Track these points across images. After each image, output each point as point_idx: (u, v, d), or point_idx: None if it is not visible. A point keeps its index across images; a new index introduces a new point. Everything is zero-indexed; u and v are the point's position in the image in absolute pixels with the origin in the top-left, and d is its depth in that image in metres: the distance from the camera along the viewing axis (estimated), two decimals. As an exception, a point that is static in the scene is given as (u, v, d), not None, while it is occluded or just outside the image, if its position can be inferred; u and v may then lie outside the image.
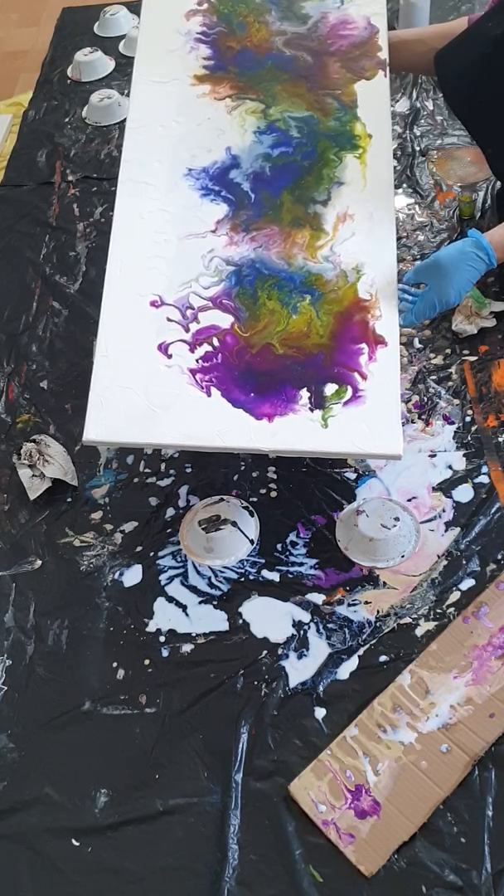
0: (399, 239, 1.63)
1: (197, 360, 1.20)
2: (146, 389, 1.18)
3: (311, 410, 1.16)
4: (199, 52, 1.45)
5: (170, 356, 1.20)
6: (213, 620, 1.17)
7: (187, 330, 1.22)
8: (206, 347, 1.21)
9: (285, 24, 1.46)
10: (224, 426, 1.16)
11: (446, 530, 1.22)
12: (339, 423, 1.15)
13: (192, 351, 1.21)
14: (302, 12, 1.47)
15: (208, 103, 1.40)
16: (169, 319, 1.23)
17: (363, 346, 1.20)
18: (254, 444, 1.15)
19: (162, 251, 1.28)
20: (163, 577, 1.22)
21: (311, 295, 1.24)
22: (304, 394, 1.18)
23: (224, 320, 1.23)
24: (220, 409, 1.17)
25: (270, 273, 1.26)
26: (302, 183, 1.33)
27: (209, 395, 1.17)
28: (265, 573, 1.21)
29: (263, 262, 1.27)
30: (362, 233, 1.29)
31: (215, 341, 1.21)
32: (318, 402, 1.17)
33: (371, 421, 1.15)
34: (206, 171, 1.35)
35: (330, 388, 1.18)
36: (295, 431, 1.15)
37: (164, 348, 1.21)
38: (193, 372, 1.19)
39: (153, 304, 1.25)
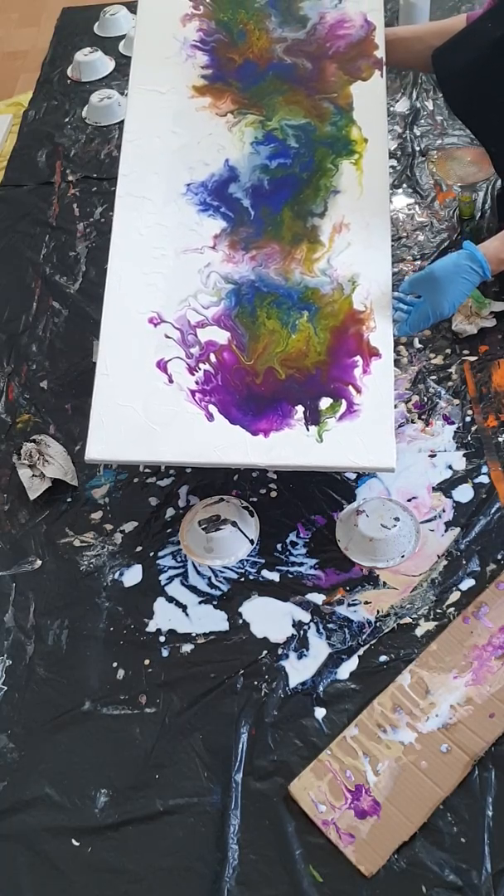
0: (399, 239, 1.64)
1: (197, 382, 1.20)
2: (145, 407, 1.19)
3: (307, 427, 1.17)
4: (196, 60, 1.43)
5: (170, 376, 1.21)
6: (213, 620, 1.17)
7: (189, 356, 1.22)
8: (205, 367, 1.21)
9: (285, 29, 1.44)
10: (221, 443, 1.17)
11: (446, 530, 1.22)
12: (334, 437, 1.16)
13: (192, 373, 1.21)
14: (300, 14, 1.45)
15: (209, 117, 1.38)
16: (167, 336, 1.23)
17: (357, 358, 1.21)
18: (250, 460, 1.16)
19: (159, 267, 1.28)
20: (163, 577, 1.22)
21: (308, 311, 1.24)
22: (300, 409, 1.18)
23: (222, 336, 1.23)
24: (218, 426, 1.18)
25: (269, 290, 1.26)
26: (301, 197, 1.32)
27: (211, 418, 1.18)
28: (265, 573, 1.21)
29: (262, 279, 1.27)
30: (358, 243, 1.29)
31: (213, 358, 1.22)
32: (314, 418, 1.18)
33: (365, 434, 1.16)
34: (204, 185, 1.34)
35: (325, 403, 1.19)
36: (291, 446, 1.16)
37: (162, 366, 1.22)
38: (193, 392, 1.20)
39: (151, 321, 1.25)
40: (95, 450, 1.18)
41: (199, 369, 1.21)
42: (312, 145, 1.36)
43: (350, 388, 1.19)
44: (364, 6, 1.45)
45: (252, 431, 1.18)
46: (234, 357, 1.22)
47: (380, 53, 1.41)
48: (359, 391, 1.19)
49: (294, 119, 1.38)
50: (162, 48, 1.44)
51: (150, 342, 1.24)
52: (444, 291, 1.22)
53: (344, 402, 1.18)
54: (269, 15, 1.45)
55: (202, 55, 1.43)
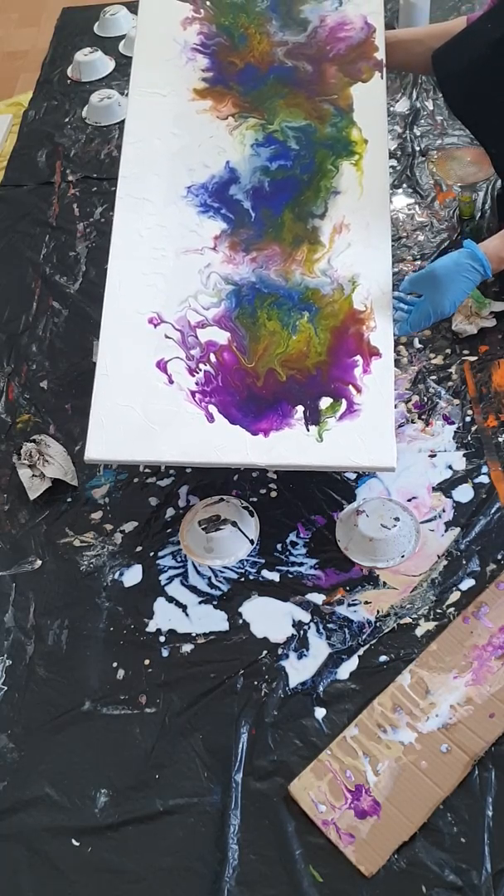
0: (399, 239, 1.64)
1: (197, 383, 1.20)
2: (145, 407, 1.19)
3: (307, 427, 1.17)
4: (196, 63, 1.43)
5: (170, 376, 1.21)
6: (213, 620, 1.17)
7: (189, 358, 1.22)
8: (205, 367, 1.21)
9: (286, 33, 1.44)
10: (221, 442, 1.17)
11: (446, 530, 1.22)
12: (334, 436, 1.16)
13: (192, 374, 1.21)
14: (301, 17, 1.45)
15: (209, 120, 1.38)
16: (167, 337, 1.23)
17: (358, 358, 1.21)
18: (250, 460, 1.16)
19: (159, 267, 1.28)
20: (163, 577, 1.22)
21: (308, 311, 1.24)
22: (300, 409, 1.18)
23: (222, 337, 1.23)
24: (218, 426, 1.18)
25: (269, 291, 1.26)
26: (301, 198, 1.32)
27: (211, 419, 1.18)
28: (265, 573, 1.21)
29: (263, 280, 1.27)
30: (359, 243, 1.29)
31: (213, 358, 1.22)
32: (314, 418, 1.18)
33: (365, 434, 1.16)
34: (204, 187, 1.34)
35: (325, 402, 1.19)
36: (291, 446, 1.16)
37: (162, 366, 1.22)
38: (193, 393, 1.20)
39: (151, 321, 1.25)
40: (95, 450, 1.18)
41: (200, 370, 1.21)
42: (313, 147, 1.36)
43: (350, 387, 1.19)
44: (364, 9, 1.45)
45: (252, 431, 1.18)
46: (234, 358, 1.22)
47: (380, 55, 1.41)
48: (359, 391, 1.19)
49: (294, 121, 1.38)
50: (163, 51, 1.44)
51: (150, 342, 1.24)
52: (445, 290, 1.22)
53: (344, 402, 1.18)
54: (269, 19, 1.45)
55: (203, 58, 1.43)
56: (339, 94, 1.39)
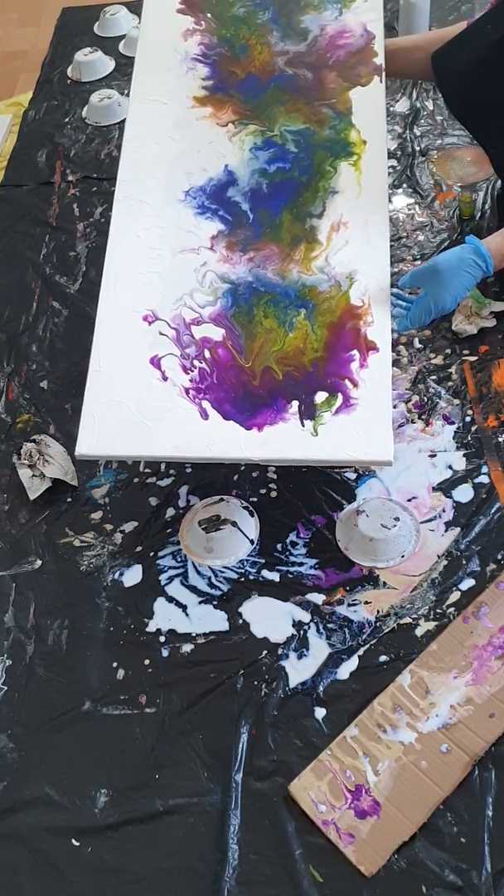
0: (399, 239, 1.64)
1: (191, 381, 1.20)
2: (138, 403, 1.19)
3: (302, 422, 1.17)
4: (196, 72, 1.44)
5: (163, 373, 1.21)
6: (213, 620, 1.17)
7: (185, 357, 1.22)
8: (200, 365, 1.21)
9: (287, 42, 1.44)
10: (214, 437, 1.16)
11: (446, 530, 1.22)
12: (330, 430, 1.16)
13: (186, 372, 1.21)
14: (301, 27, 1.46)
15: (209, 126, 1.39)
16: (161, 334, 1.23)
17: (354, 352, 1.21)
18: (244, 454, 1.16)
19: (156, 266, 1.28)
20: (163, 577, 1.22)
21: (305, 308, 1.24)
22: (295, 404, 1.18)
23: (217, 333, 1.23)
24: (211, 421, 1.18)
25: (266, 289, 1.26)
26: (300, 200, 1.32)
27: (205, 414, 1.17)
28: (265, 573, 1.21)
29: (259, 279, 1.27)
30: (357, 241, 1.29)
31: (208, 354, 1.22)
32: (309, 413, 1.17)
33: (362, 428, 1.16)
34: (203, 189, 1.34)
35: (320, 396, 1.18)
36: (285, 440, 1.16)
37: (156, 362, 1.22)
38: (187, 390, 1.20)
39: (146, 318, 1.25)
40: (86, 445, 1.18)
41: (194, 368, 1.21)
42: (311, 149, 1.36)
43: (346, 381, 1.19)
44: (364, 16, 1.46)
45: (246, 426, 1.17)
46: (229, 355, 1.22)
47: (379, 60, 1.42)
48: (355, 385, 1.18)
49: (293, 125, 1.38)
50: (164, 61, 1.45)
51: (145, 339, 1.23)
52: (447, 285, 1.22)
53: (340, 396, 1.18)
54: (271, 30, 1.46)
55: (203, 67, 1.45)
56: (338, 98, 1.39)
